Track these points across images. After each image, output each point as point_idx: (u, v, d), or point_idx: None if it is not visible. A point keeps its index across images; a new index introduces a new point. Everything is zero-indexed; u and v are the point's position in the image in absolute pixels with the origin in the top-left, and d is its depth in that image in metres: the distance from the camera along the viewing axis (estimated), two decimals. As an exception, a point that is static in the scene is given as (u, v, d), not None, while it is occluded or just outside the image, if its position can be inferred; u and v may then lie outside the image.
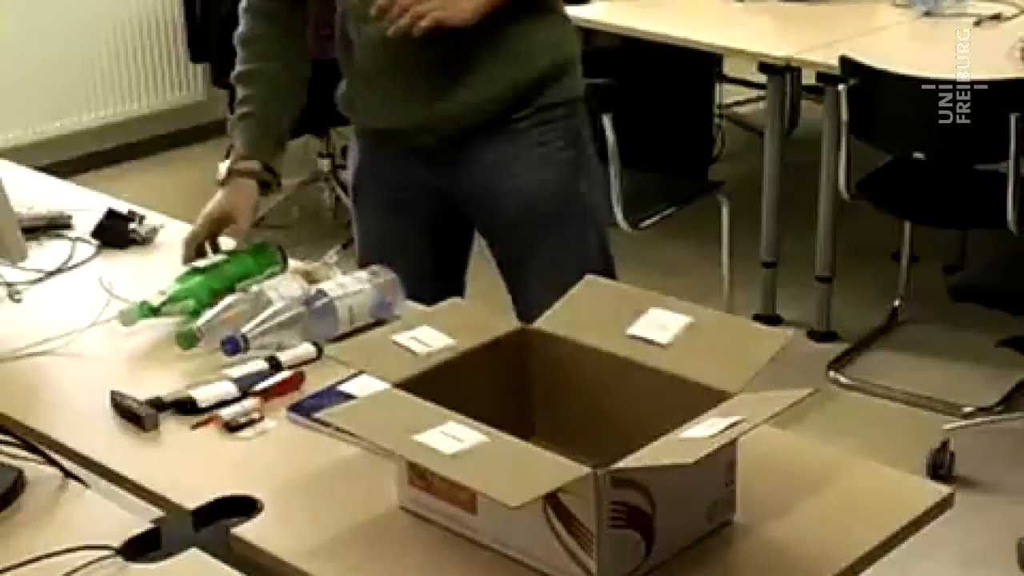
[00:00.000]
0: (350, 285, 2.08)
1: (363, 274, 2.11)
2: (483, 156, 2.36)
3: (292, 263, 2.28)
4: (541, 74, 2.34)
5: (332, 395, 1.83)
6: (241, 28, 2.58)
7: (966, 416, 3.50)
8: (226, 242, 2.33)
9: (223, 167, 2.38)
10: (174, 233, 2.47)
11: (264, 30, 2.55)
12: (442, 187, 2.41)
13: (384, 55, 2.36)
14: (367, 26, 2.37)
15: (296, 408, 1.85)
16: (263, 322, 2.00)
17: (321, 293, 2.05)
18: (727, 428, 1.43)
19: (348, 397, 1.79)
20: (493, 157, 2.36)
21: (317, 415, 1.63)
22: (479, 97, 2.32)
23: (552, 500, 1.45)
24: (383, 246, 2.44)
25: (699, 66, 4.60)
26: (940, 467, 3.29)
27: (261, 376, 1.92)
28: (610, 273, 2.42)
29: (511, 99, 2.34)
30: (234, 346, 1.97)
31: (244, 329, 1.99)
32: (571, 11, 4.18)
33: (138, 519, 1.62)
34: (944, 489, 1.66)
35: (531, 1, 2.33)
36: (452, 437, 1.46)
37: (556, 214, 2.38)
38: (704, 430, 1.44)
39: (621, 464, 1.44)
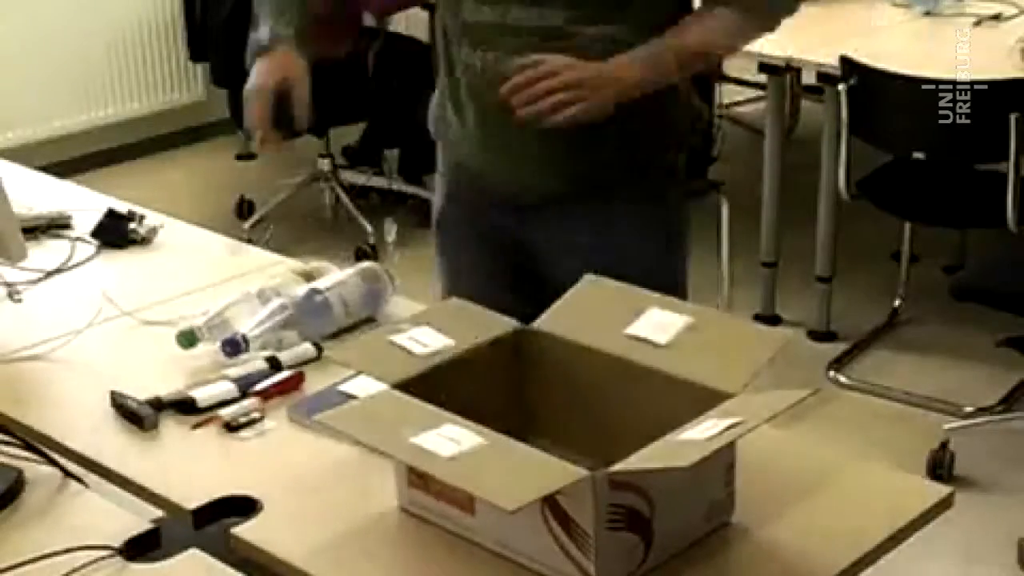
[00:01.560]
0: (338, 277, 2.09)
1: (349, 268, 2.11)
2: (580, 229, 2.15)
3: (291, 262, 2.28)
4: (666, 149, 2.18)
5: (333, 395, 1.83)
6: None
7: (966, 416, 3.50)
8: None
9: (257, 40, 2.17)
10: (174, 233, 2.48)
11: None
12: (531, 241, 2.21)
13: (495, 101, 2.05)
14: (488, 54, 2.08)
15: (297, 408, 1.85)
16: (263, 321, 2.00)
17: (315, 290, 2.05)
18: (726, 429, 1.43)
19: (349, 397, 1.79)
20: (589, 235, 2.15)
21: (315, 418, 1.63)
22: (604, 165, 2.11)
23: (550, 502, 1.45)
24: (467, 279, 2.26)
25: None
26: (940, 467, 3.29)
27: (261, 376, 1.92)
28: None
29: (630, 171, 2.14)
30: (234, 347, 1.97)
31: (244, 329, 1.99)
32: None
33: (138, 519, 1.62)
34: (944, 489, 1.65)
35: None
36: (449, 439, 1.46)
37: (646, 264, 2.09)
38: (703, 431, 1.44)
39: (619, 467, 1.44)
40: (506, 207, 2.19)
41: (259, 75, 2.12)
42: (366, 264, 2.15)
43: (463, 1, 2.09)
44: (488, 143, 2.15)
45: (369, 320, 2.09)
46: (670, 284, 2.04)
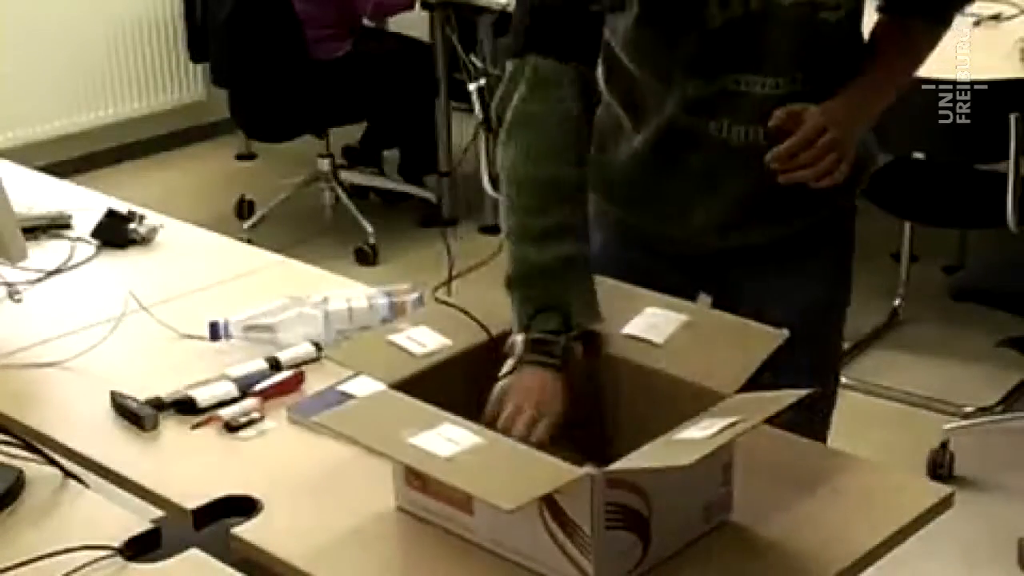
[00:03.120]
0: (358, 299, 2.07)
1: (379, 290, 2.09)
2: (746, 283, 2.06)
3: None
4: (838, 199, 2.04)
5: (333, 395, 1.83)
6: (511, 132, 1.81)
7: (966, 416, 3.50)
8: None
9: (516, 347, 1.68)
10: (174, 233, 2.48)
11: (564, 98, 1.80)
12: (693, 286, 2.09)
13: (713, 162, 1.94)
14: (713, 122, 1.92)
15: (297, 408, 1.85)
16: (254, 316, 2.01)
17: (324, 300, 2.05)
18: (724, 429, 1.43)
19: (348, 397, 1.79)
20: (757, 287, 2.05)
21: (313, 418, 1.63)
22: (779, 222, 2.02)
23: (548, 502, 1.45)
24: None
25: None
26: (940, 467, 3.29)
27: (261, 376, 1.92)
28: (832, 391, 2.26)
29: (806, 225, 2.04)
30: (214, 331, 2.00)
31: (233, 317, 2.01)
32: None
33: (138, 519, 1.62)
34: (944, 489, 1.66)
35: None
36: (447, 439, 1.46)
37: (808, 343, 1.83)
38: (700, 431, 1.44)
39: (617, 466, 1.44)
40: (672, 261, 2.07)
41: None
42: (403, 297, 2.06)
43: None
44: (671, 190, 2.00)
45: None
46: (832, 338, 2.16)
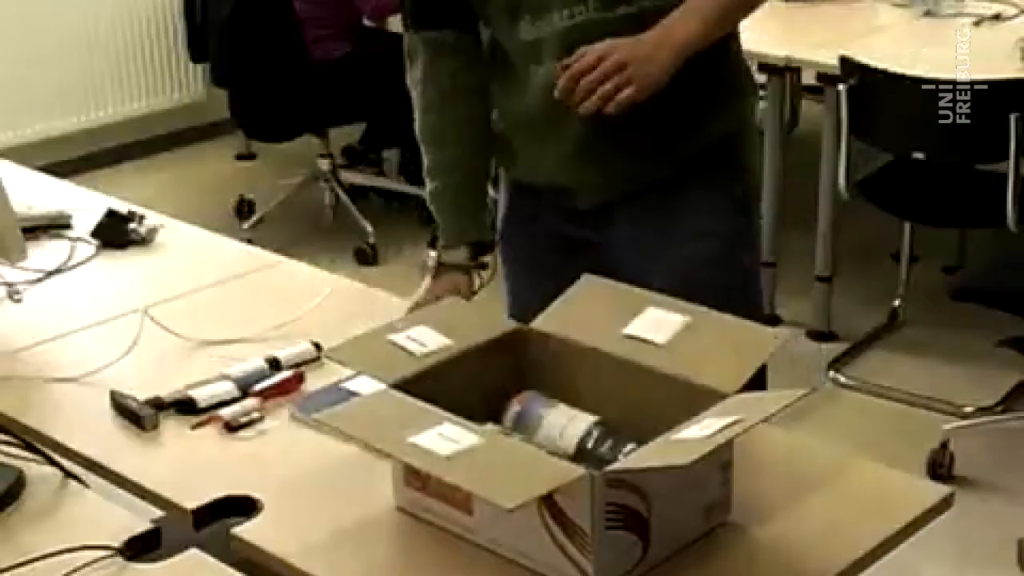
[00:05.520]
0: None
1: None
2: (641, 221, 2.16)
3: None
4: (713, 129, 2.15)
5: (336, 392, 1.83)
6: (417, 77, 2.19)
7: (966, 416, 3.50)
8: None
9: (431, 257, 2.24)
10: (174, 233, 2.48)
11: (444, 66, 2.16)
12: (595, 242, 2.20)
13: (559, 104, 2.01)
14: (541, 67, 2.08)
15: (300, 404, 1.85)
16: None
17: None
18: (723, 428, 1.43)
19: (352, 394, 1.79)
20: (650, 227, 2.16)
21: (314, 416, 1.63)
22: (655, 158, 2.12)
23: (548, 501, 1.45)
24: (534, 297, 2.05)
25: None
26: (940, 467, 3.29)
27: (261, 376, 1.92)
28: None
29: (683, 159, 2.14)
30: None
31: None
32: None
33: (138, 519, 1.62)
34: (944, 489, 1.66)
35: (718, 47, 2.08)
36: (448, 438, 1.46)
37: (716, 289, 2.00)
38: (700, 430, 1.44)
39: (616, 466, 1.44)
40: (569, 216, 2.20)
41: (411, 307, 2.09)
42: None
43: (517, 23, 2.08)
44: (544, 136, 2.13)
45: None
46: (740, 278, 2.18)
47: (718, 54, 2.09)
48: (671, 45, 1.99)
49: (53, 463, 1.71)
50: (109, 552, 1.53)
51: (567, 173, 2.15)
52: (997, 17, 3.85)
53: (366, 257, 4.62)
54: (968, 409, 3.52)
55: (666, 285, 1.81)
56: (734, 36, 2.18)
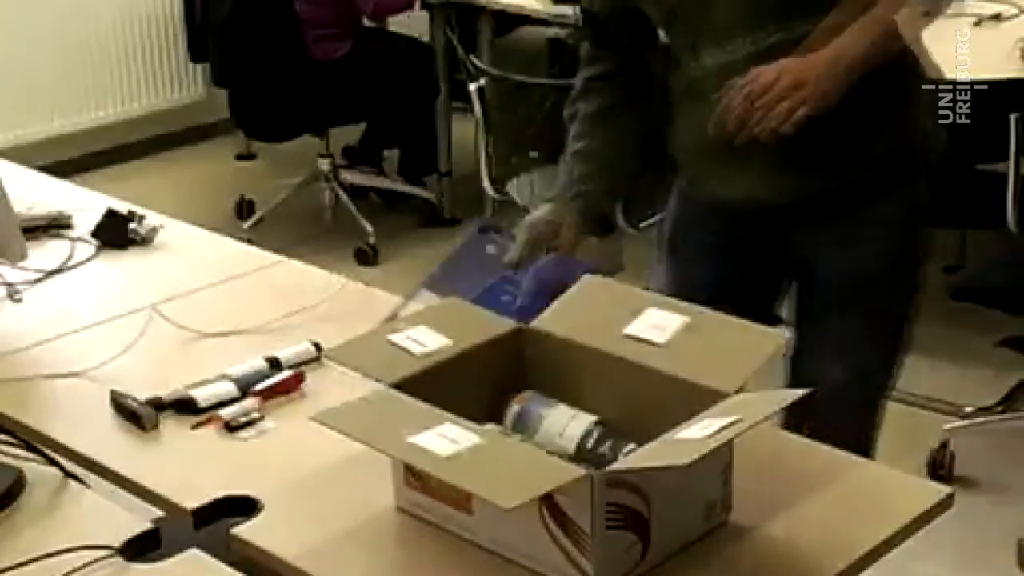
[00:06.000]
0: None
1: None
2: (821, 231, 2.21)
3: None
4: (887, 135, 2.20)
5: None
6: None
7: (966, 416, 3.50)
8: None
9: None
10: (174, 233, 2.48)
11: (607, 86, 2.25)
12: (769, 242, 2.27)
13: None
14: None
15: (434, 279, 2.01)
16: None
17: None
18: (723, 428, 1.43)
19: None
20: (825, 227, 2.20)
21: (313, 416, 1.63)
22: (836, 169, 2.16)
23: (548, 502, 1.45)
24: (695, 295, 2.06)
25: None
26: (940, 467, 3.29)
27: (261, 376, 1.92)
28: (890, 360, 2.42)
29: (859, 166, 2.18)
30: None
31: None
32: (564, 10, 4.21)
33: (138, 519, 1.62)
34: (944, 489, 1.65)
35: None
36: (447, 438, 1.46)
37: (883, 294, 2.24)
38: (700, 430, 1.44)
39: (616, 466, 1.44)
40: (744, 219, 2.23)
41: (537, 224, 2.16)
42: None
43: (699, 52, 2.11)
44: (719, 158, 2.14)
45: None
46: (908, 289, 2.27)
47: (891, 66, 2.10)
48: (844, 63, 2.01)
49: (53, 463, 1.71)
50: (109, 552, 1.53)
51: (753, 190, 2.16)
52: (997, 17, 3.84)
53: (366, 257, 4.62)
54: (968, 409, 3.52)
55: (842, 283, 2.09)
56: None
